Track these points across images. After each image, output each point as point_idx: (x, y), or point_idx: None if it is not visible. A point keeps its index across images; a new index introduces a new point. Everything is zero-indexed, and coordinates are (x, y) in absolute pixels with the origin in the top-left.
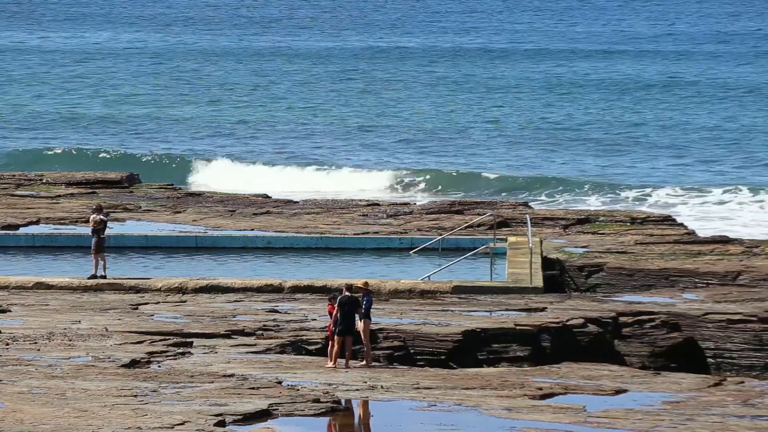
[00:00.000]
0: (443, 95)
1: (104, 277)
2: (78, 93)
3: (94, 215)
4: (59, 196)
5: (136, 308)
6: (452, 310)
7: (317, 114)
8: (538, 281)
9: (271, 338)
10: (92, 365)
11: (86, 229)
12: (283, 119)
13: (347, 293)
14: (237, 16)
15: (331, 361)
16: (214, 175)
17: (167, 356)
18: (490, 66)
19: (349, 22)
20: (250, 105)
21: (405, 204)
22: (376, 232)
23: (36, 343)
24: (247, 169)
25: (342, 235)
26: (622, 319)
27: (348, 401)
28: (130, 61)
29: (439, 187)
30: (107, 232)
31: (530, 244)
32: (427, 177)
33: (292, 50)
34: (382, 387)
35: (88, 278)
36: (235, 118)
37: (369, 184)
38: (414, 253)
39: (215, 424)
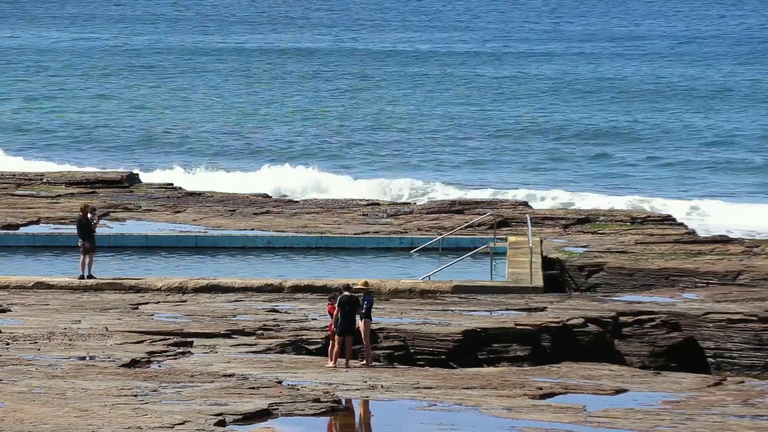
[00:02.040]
0: (431, 96)
1: (91, 276)
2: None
3: (96, 220)
4: (59, 195)
5: (136, 308)
6: (452, 310)
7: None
8: (539, 281)
9: (271, 338)
10: (92, 365)
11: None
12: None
13: (346, 293)
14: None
15: (331, 360)
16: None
17: (167, 356)
18: (475, 67)
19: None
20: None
21: (405, 204)
22: (377, 232)
23: (36, 342)
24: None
25: (342, 235)
26: (623, 318)
27: (348, 401)
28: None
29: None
30: (107, 231)
31: (530, 244)
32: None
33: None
34: (382, 387)
35: (80, 278)
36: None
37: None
38: (414, 252)
39: (215, 424)
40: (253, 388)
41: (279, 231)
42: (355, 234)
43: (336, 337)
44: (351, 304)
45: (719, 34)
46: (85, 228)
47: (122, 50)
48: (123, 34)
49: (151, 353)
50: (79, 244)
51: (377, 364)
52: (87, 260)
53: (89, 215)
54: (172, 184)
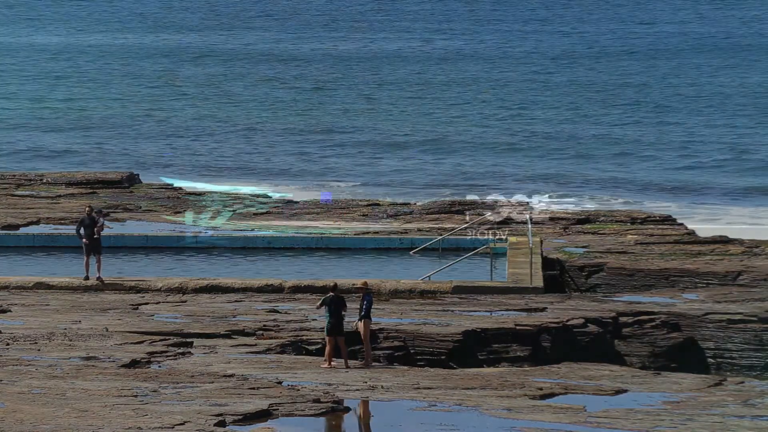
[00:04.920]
0: (424, 99)
1: (100, 279)
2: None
3: (101, 222)
4: (59, 196)
5: (137, 308)
6: (452, 310)
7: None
8: (539, 281)
9: (271, 338)
10: (92, 365)
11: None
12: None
13: (331, 293)
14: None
15: (326, 362)
16: None
17: (167, 356)
18: (468, 68)
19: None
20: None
21: (405, 204)
22: (377, 232)
23: (36, 343)
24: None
25: (342, 235)
26: (622, 319)
27: (348, 401)
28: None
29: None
30: (107, 232)
31: (530, 244)
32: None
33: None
34: (382, 387)
35: (85, 278)
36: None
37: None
38: (414, 253)
39: (215, 424)
40: (253, 388)
41: (279, 231)
42: (355, 234)
43: (327, 337)
44: (336, 304)
45: (721, 37)
46: (88, 228)
47: (122, 52)
48: (122, 35)
49: (151, 354)
50: (82, 244)
51: (377, 364)
52: (89, 260)
53: (95, 216)
54: (172, 185)
